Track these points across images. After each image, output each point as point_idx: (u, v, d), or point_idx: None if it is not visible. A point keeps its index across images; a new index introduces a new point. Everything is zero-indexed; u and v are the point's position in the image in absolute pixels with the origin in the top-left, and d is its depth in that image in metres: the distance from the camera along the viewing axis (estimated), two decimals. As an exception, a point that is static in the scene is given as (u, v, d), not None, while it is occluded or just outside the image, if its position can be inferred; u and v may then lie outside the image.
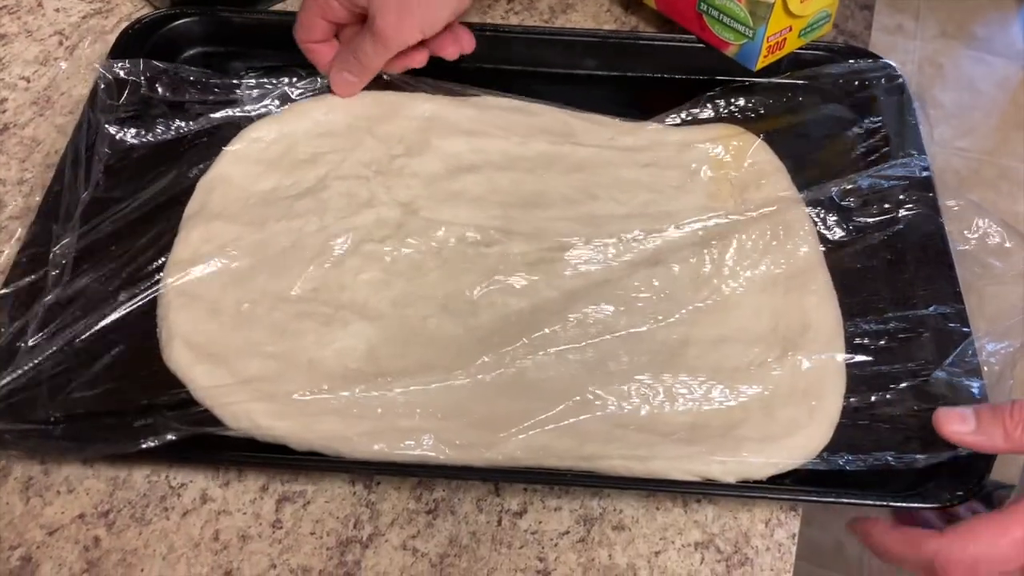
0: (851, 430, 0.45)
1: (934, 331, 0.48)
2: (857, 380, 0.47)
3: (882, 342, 0.48)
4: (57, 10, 0.65)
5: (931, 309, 0.49)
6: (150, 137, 0.54)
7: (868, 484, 0.44)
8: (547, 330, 0.47)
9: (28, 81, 0.61)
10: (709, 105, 0.58)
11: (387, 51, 0.54)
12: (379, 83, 0.57)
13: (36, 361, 0.45)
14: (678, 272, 0.50)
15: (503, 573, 0.43)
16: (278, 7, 0.65)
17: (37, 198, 0.52)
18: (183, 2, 0.61)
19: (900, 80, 0.58)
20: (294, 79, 0.57)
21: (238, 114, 0.56)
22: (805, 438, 0.44)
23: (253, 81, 0.57)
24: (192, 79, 0.56)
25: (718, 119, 0.58)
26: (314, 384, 0.45)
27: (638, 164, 0.55)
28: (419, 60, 0.56)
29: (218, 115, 0.55)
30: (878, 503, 0.43)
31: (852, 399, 0.46)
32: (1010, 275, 0.49)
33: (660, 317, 0.48)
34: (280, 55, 0.57)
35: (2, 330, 0.46)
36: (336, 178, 0.53)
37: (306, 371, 0.45)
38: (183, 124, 0.55)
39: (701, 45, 0.60)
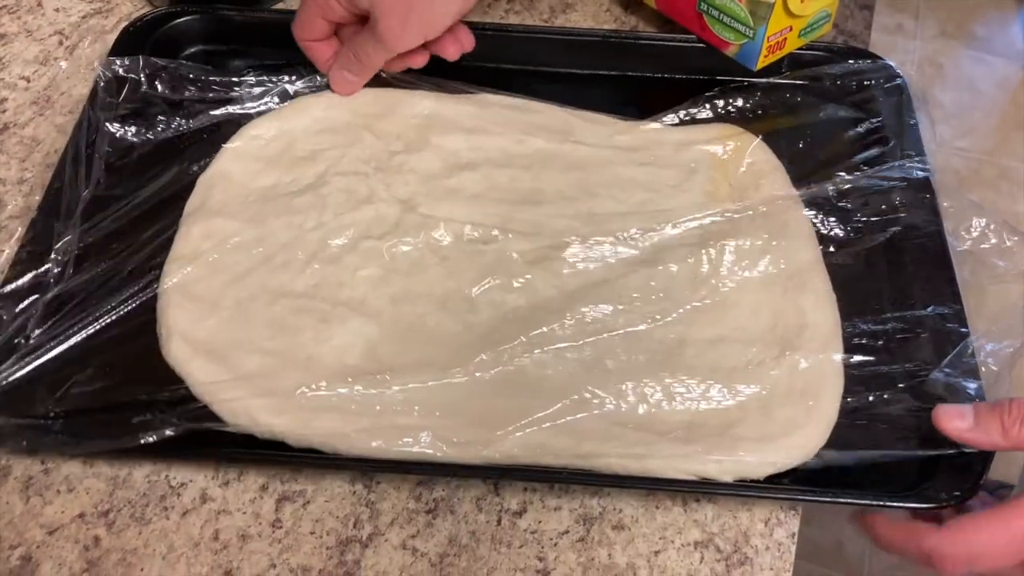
0: (848, 430, 0.45)
1: (932, 331, 0.48)
2: (855, 380, 0.47)
3: (880, 342, 0.48)
4: (57, 10, 0.65)
5: (929, 310, 0.49)
6: (150, 135, 0.54)
7: (866, 484, 0.44)
8: (545, 328, 0.47)
9: (28, 81, 0.61)
10: (708, 105, 0.58)
11: (388, 53, 0.54)
12: (378, 80, 0.57)
13: (36, 357, 0.45)
14: (676, 271, 0.50)
15: (503, 572, 0.43)
16: (279, 5, 0.65)
17: (37, 197, 0.52)
18: (183, 0, 0.61)
19: (900, 80, 0.58)
20: (294, 77, 0.57)
21: (238, 111, 0.56)
22: (802, 438, 0.44)
23: (253, 79, 0.57)
24: (192, 76, 0.56)
25: (717, 119, 0.58)
26: (312, 381, 0.45)
27: (636, 163, 0.55)
28: (420, 61, 0.56)
29: (218, 112, 0.56)
30: (875, 503, 0.43)
31: (850, 399, 0.46)
32: (1011, 274, 0.49)
33: (658, 316, 0.48)
34: (281, 53, 0.57)
35: (3, 324, 0.46)
36: (335, 175, 0.53)
37: (304, 368, 0.46)
38: (183, 121, 0.55)
39: (701, 45, 0.60)
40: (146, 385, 0.45)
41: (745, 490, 0.43)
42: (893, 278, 0.51)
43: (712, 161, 0.55)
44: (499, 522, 0.44)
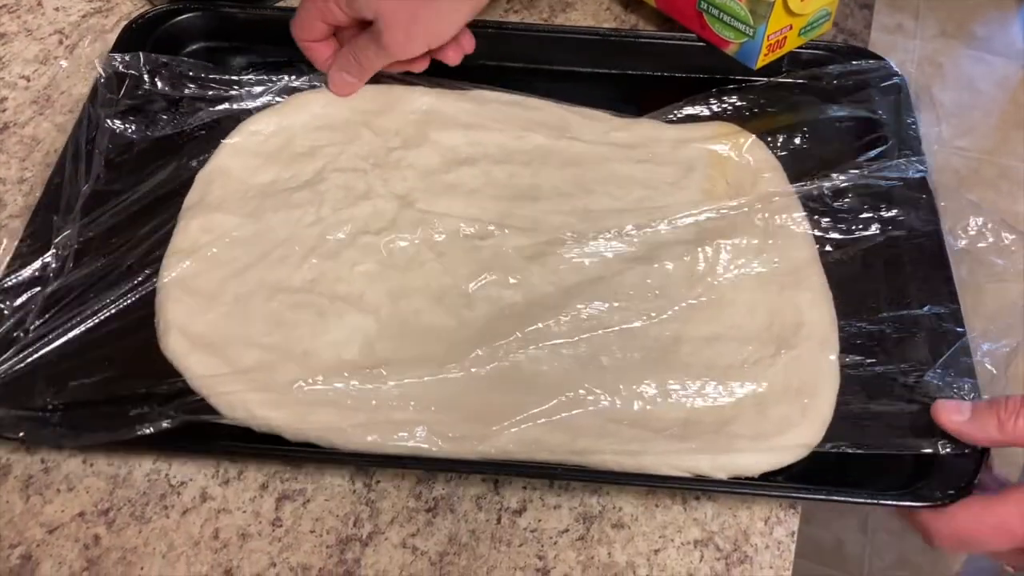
0: (844, 428, 0.45)
1: (928, 331, 0.48)
2: (851, 379, 0.47)
3: (876, 341, 0.48)
4: (57, 9, 0.65)
5: (926, 309, 0.49)
6: (150, 131, 0.55)
7: (861, 482, 0.44)
8: (541, 324, 0.47)
9: (28, 80, 0.61)
10: (706, 103, 0.58)
11: (390, 60, 0.54)
12: (377, 77, 0.57)
13: (35, 350, 0.45)
14: (672, 269, 0.50)
15: (503, 571, 0.43)
16: (280, 3, 0.65)
17: (37, 196, 0.52)
18: (182, -1, 0.62)
19: (898, 79, 0.58)
20: (293, 76, 0.57)
21: (237, 108, 0.56)
22: (798, 436, 0.44)
23: (253, 76, 0.57)
24: (192, 74, 0.56)
25: (715, 117, 0.58)
26: (309, 375, 0.45)
27: (633, 160, 0.55)
28: (420, 65, 0.56)
29: (217, 109, 0.56)
30: (870, 501, 0.43)
31: (845, 398, 0.46)
32: (1009, 273, 0.49)
33: (654, 313, 0.48)
34: (282, 51, 0.57)
35: (3, 317, 0.46)
36: (334, 170, 0.53)
37: (302, 362, 0.46)
38: (183, 118, 0.55)
39: (701, 43, 0.60)
40: (144, 378, 0.45)
41: (741, 487, 0.43)
42: (890, 277, 0.51)
43: (710, 159, 0.55)
44: (499, 520, 0.44)
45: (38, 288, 0.48)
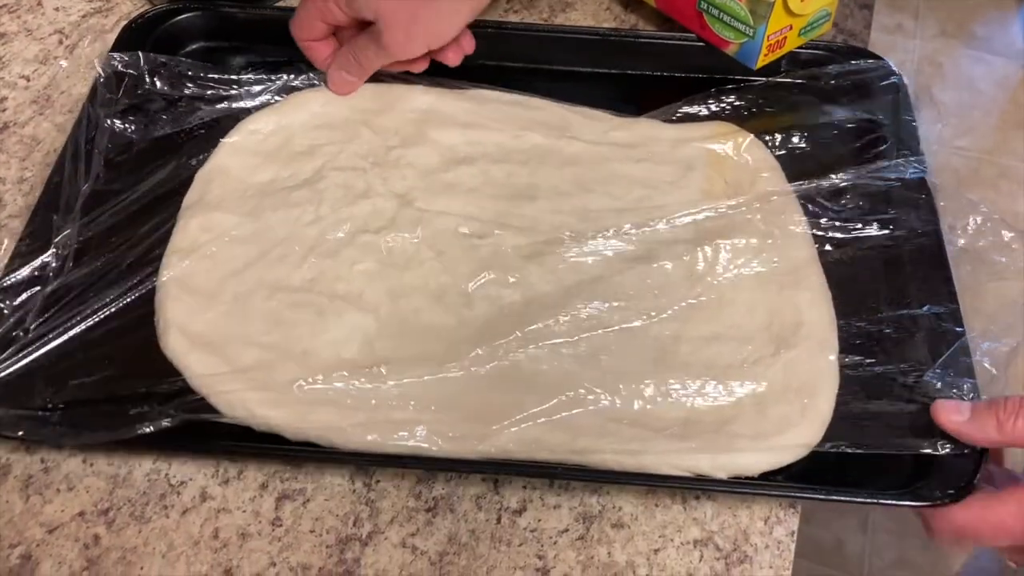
0: (843, 428, 0.45)
1: (928, 331, 0.48)
2: (850, 379, 0.47)
3: (875, 341, 0.48)
4: (57, 9, 0.65)
5: (925, 309, 0.49)
6: (150, 130, 0.55)
7: (860, 482, 0.44)
8: (540, 324, 0.47)
9: (28, 80, 0.61)
10: (705, 102, 0.58)
11: (390, 60, 0.54)
12: (376, 76, 0.57)
13: (35, 349, 0.45)
14: (672, 268, 0.50)
15: (502, 571, 0.43)
16: (280, 3, 0.65)
17: (37, 196, 0.52)
18: (182, -2, 0.62)
19: (898, 79, 0.58)
20: (292, 74, 0.57)
21: (236, 107, 0.56)
22: (797, 436, 0.44)
23: (252, 76, 0.57)
24: (191, 73, 0.56)
25: (714, 117, 0.58)
26: (309, 374, 0.45)
27: (632, 159, 0.55)
28: (420, 66, 0.56)
29: (217, 108, 0.56)
30: (870, 501, 0.43)
31: (844, 398, 0.46)
32: (1009, 272, 0.49)
33: (653, 313, 0.48)
34: (282, 50, 0.57)
35: (2, 316, 0.46)
36: (333, 169, 0.53)
37: (301, 361, 0.46)
38: (182, 117, 0.55)
39: (701, 43, 0.60)
40: (144, 377, 0.45)
41: (740, 487, 0.43)
42: (889, 277, 0.51)
43: (708, 158, 0.55)
44: (499, 520, 0.44)
45: (38, 287, 0.48)
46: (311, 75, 0.57)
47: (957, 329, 0.47)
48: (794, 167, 0.55)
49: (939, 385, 0.45)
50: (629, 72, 0.61)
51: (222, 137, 0.54)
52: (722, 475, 0.43)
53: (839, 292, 0.50)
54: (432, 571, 0.43)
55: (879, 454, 0.44)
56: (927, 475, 0.44)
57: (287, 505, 0.44)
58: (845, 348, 0.48)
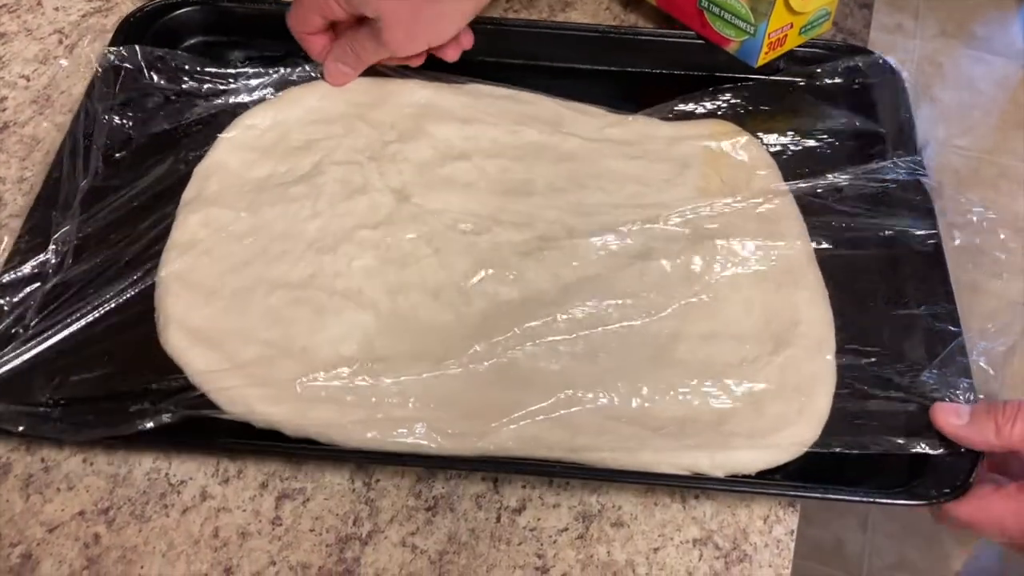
0: (840, 427, 0.45)
1: (925, 330, 0.48)
2: (847, 378, 0.47)
3: (872, 340, 0.48)
4: (57, 9, 0.65)
5: (922, 308, 0.49)
6: (148, 125, 0.55)
7: (857, 480, 0.44)
8: (538, 321, 0.47)
9: (28, 80, 0.61)
10: (702, 100, 0.58)
11: (389, 55, 0.54)
12: (372, 70, 0.57)
13: (34, 345, 0.45)
14: (669, 266, 0.50)
15: (502, 570, 0.43)
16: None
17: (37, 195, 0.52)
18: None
19: (896, 77, 0.58)
20: (289, 68, 0.57)
21: (234, 101, 0.56)
22: (794, 434, 0.44)
23: (249, 69, 0.57)
24: (187, 67, 0.56)
25: (711, 114, 0.58)
26: (309, 371, 0.45)
27: (628, 156, 0.55)
28: (418, 61, 0.56)
29: (214, 103, 0.56)
30: (866, 499, 0.43)
31: (841, 396, 0.46)
32: (1006, 271, 0.49)
33: (651, 311, 0.48)
34: (280, 45, 0.57)
35: (2, 313, 0.46)
36: (330, 164, 0.53)
37: (301, 358, 0.46)
38: (180, 112, 0.55)
39: (700, 41, 0.60)
40: (144, 374, 0.45)
41: (738, 485, 0.43)
42: (886, 276, 0.51)
43: (705, 156, 0.55)
44: (498, 519, 0.44)
45: (37, 284, 0.48)
46: (308, 68, 0.57)
47: (954, 329, 0.47)
48: (791, 165, 0.55)
49: (936, 385, 0.45)
50: (628, 69, 0.62)
51: (220, 133, 0.55)
52: (720, 473, 0.43)
53: (836, 291, 0.50)
54: (432, 570, 0.43)
55: (876, 453, 0.44)
56: (924, 474, 0.44)
57: (287, 504, 0.44)
58: (842, 347, 0.48)
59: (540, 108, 0.57)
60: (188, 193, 0.52)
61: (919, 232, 0.51)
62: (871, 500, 0.43)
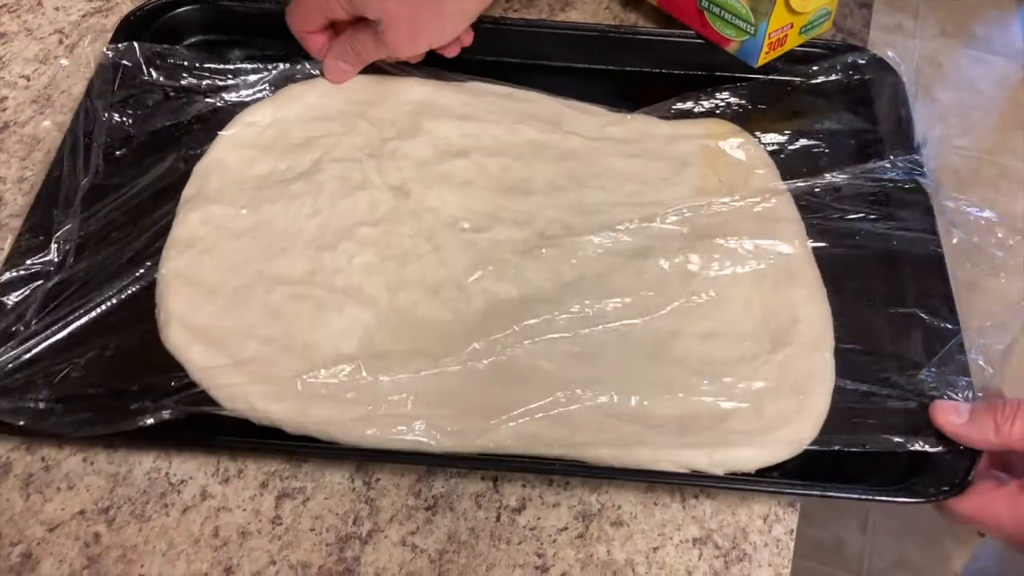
0: (838, 425, 0.45)
1: (923, 329, 0.48)
2: (846, 376, 0.47)
3: (871, 338, 0.48)
4: (57, 9, 0.65)
5: (921, 307, 0.49)
6: (147, 123, 0.55)
7: (856, 478, 0.44)
8: (537, 319, 0.47)
9: (28, 79, 0.61)
10: (701, 99, 0.58)
11: (390, 56, 0.54)
12: (372, 67, 0.57)
13: (36, 343, 0.45)
14: (667, 265, 0.50)
15: (502, 569, 0.43)
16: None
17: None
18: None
19: (895, 76, 0.58)
20: (288, 63, 0.57)
21: (233, 97, 0.56)
22: (793, 432, 0.44)
23: (248, 65, 0.57)
24: (186, 63, 0.56)
25: (709, 113, 0.58)
26: (309, 368, 0.45)
27: (627, 155, 0.55)
28: (417, 58, 0.56)
29: (214, 99, 0.56)
30: (865, 497, 0.43)
31: (840, 394, 0.46)
32: (1006, 268, 0.49)
33: (650, 310, 0.48)
34: (281, 44, 0.57)
35: (4, 310, 0.46)
36: (330, 161, 0.53)
37: (302, 355, 0.46)
38: (180, 109, 0.55)
39: (699, 40, 0.60)
40: (145, 371, 0.45)
41: (737, 483, 0.43)
42: (885, 274, 0.51)
43: (703, 155, 0.55)
44: (498, 518, 0.45)
45: (40, 282, 0.48)
46: (308, 65, 0.57)
47: (952, 327, 0.47)
48: (789, 164, 0.55)
49: (934, 383, 0.45)
50: (628, 69, 0.62)
51: (220, 129, 0.55)
52: (719, 471, 0.43)
53: (835, 289, 0.50)
54: (432, 569, 0.43)
55: (875, 451, 0.44)
56: (923, 471, 0.44)
57: (287, 503, 0.44)
58: (841, 345, 0.48)
59: (540, 106, 0.57)
60: (188, 191, 0.52)
61: (917, 230, 0.51)
62: (870, 498, 0.43)
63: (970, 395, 0.45)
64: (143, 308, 0.48)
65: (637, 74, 0.62)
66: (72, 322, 0.46)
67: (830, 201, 0.53)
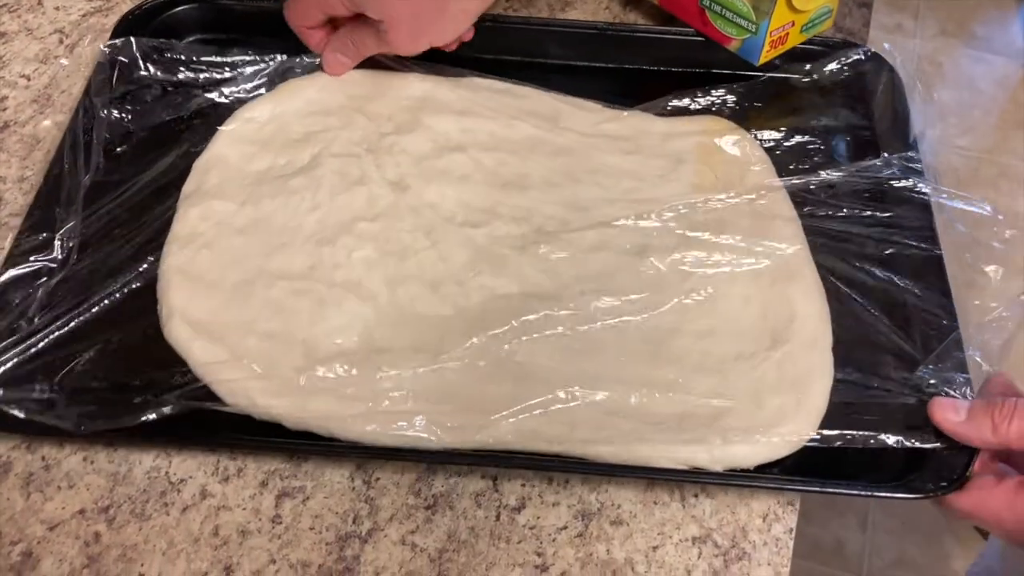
0: (837, 421, 0.45)
1: (921, 325, 0.48)
2: (843, 372, 0.47)
3: (869, 335, 0.48)
4: (57, 8, 0.65)
5: (918, 303, 0.49)
6: (147, 119, 0.55)
7: (854, 474, 0.44)
8: (535, 315, 0.47)
9: (28, 79, 0.61)
10: (697, 96, 0.58)
11: (390, 52, 0.54)
12: (371, 62, 0.57)
13: (38, 339, 0.46)
14: (663, 262, 0.50)
15: (502, 568, 0.43)
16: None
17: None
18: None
19: (893, 73, 0.58)
20: (285, 55, 0.57)
21: (231, 92, 0.56)
22: (791, 428, 0.44)
23: (245, 58, 0.57)
24: (183, 57, 0.56)
25: (706, 110, 0.58)
26: (310, 363, 0.45)
27: (623, 151, 0.55)
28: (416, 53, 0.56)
29: (212, 94, 0.56)
30: (863, 493, 0.43)
31: (838, 391, 0.46)
32: (1007, 262, 0.49)
33: (648, 307, 0.48)
34: (279, 43, 0.57)
35: (6, 307, 0.47)
36: (329, 156, 0.53)
37: (302, 350, 0.46)
38: (179, 104, 0.56)
39: (698, 38, 0.60)
40: (147, 365, 0.46)
41: (736, 479, 0.43)
42: (882, 271, 0.51)
43: (699, 152, 0.55)
44: (498, 517, 0.45)
45: (42, 279, 0.48)
46: (306, 58, 0.57)
47: (950, 324, 0.47)
48: (786, 161, 0.55)
49: (932, 379, 0.45)
50: (627, 67, 0.62)
51: (219, 124, 0.55)
52: (718, 468, 0.43)
53: (831, 286, 0.50)
54: (432, 568, 0.43)
55: (873, 447, 0.44)
56: (921, 467, 0.44)
57: (287, 503, 0.44)
58: (838, 342, 0.48)
59: (537, 102, 0.57)
60: (188, 187, 0.52)
61: (914, 226, 0.51)
62: (868, 494, 0.43)
63: (968, 391, 0.45)
64: (145, 304, 0.48)
65: (637, 72, 0.62)
66: (75, 318, 0.47)
67: (825, 198, 0.53)
